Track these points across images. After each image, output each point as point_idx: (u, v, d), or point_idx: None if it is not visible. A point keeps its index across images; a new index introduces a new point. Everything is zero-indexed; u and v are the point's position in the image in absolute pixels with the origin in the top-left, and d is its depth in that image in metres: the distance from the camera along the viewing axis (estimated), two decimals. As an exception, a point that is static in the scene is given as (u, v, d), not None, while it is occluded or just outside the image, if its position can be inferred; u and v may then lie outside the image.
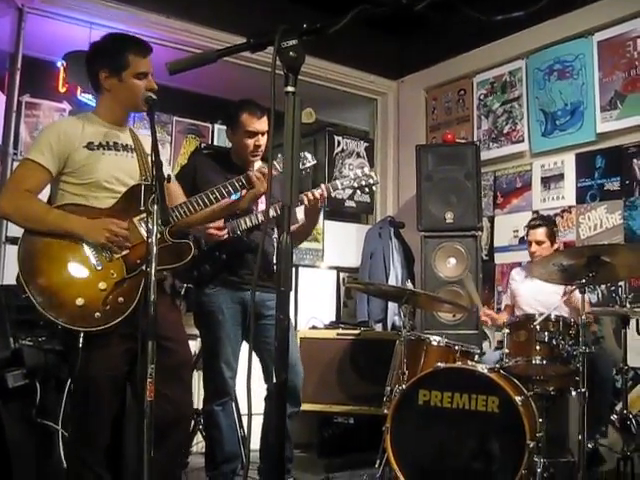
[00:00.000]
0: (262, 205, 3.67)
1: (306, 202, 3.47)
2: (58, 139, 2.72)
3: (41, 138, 2.78)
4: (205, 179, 3.46)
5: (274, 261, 3.74)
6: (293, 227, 3.68)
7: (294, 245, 4.27)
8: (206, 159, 3.80)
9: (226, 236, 3.47)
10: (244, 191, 3.24)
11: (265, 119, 3.60)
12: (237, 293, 3.61)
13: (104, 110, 2.88)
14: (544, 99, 5.59)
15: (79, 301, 2.59)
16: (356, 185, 3.57)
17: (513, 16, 1.69)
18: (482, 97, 6.10)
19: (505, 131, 5.87)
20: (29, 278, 2.60)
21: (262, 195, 3.28)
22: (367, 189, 3.67)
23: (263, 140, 3.63)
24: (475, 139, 6.02)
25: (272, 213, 3.38)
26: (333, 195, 3.58)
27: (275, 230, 3.65)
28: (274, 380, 2.38)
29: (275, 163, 3.22)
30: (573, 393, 3.86)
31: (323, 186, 3.49)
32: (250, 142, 3.61)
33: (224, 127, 6.27)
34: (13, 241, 4.41)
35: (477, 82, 6.16)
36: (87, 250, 2.67)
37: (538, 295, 4.57)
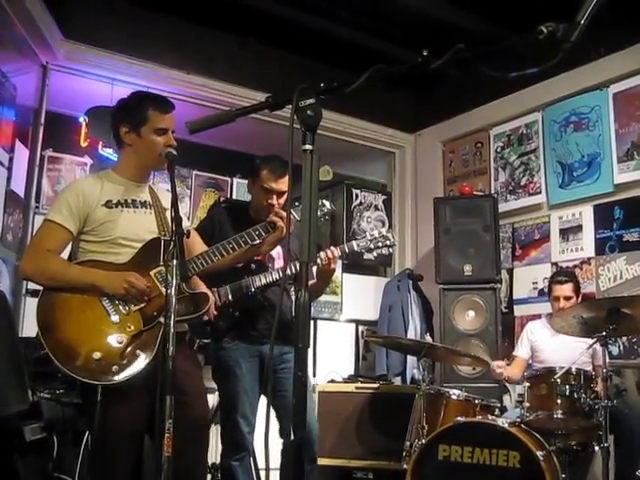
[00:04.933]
0: (278, 262, 3.67)
1: (318, 262, 3.45)
2: (77, 199, 2.78)
3: (60, 199, 2.84)
4: (222, 233, 3.47)
5: (291, 315, 3.74)
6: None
7: None
8: (224, 213, 3.78)
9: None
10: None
11: (286, 179, 3.52)
12: (255, 347, 3.58)
13: (124, 167, 2.94)
14: (561, 151, 5.61)
15: (96, 355, 2.60)
16: (372, 247, 3.56)
17: (528, 73, 1.70)
18: (499, 149, 6.14)
19: (522, 183, 5.88)
20: (47, 334, 2.62)
21: (284, 239, 3.29)
22: (384, 250, 3.66)
23: (279, 200, 3.57)
24: (492, 191, 6.04)
25: (288, 271, 3.38)
26: (348, 255, 3.57)
27: (292, 286, 3.64)
28: (291, 436, 2.36)
29: (293, 212, 3.16)
30: (596, 448, 3.78)
31: (337, 247, 3.51)
32: (264, 199, 3.59)
33: (243, 181, 6.38)
34: (33, 294, 4.45)
35: (494, 135, 6.20)
36: (104, 304, 2.69)
37: (564, 351, 4.44)
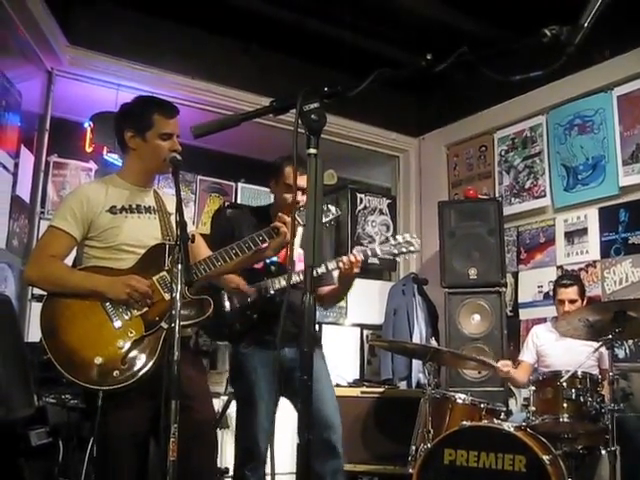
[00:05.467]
0: (299, 265, 3.52)
1: (340, 266, 3.38)
2: (81, 206, 2.77)
3: (64, 205, 2.83)
4: (242, 237, 3.34)
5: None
6: (327, 288, 3.63)
7: (325, 308, 4.09)
8: (243, 216, 3.71)
9: (252, 297, 3.39)
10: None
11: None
12: (273, 352, 3.44)
13: (129, 171, 2.93)
14: (565, 154, 5.61)
15: (98, 360, 2.60)
16: (396, 252, 3.47)
17: (531, 76, 1.70)
18: (503, 153, 6.13)
19: (527, 186, 5.88)
20: (50, 339, 2.63)
21: (288, 243, 3.15)
22: (407, 256, 3.59)
23: (303, 198, 3.43)
24: (497, 195, 6.03)
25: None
26: (370, 260, 3.49)
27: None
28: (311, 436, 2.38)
29: (297, 216, 3.17)
30: (603, 452, 3.77)
31: (359, 250, 3.42)
32: (289, 197, 3.52)
33: (247, 185, 6.39)
34: (39, 299, 4.45)
35: (498, 138, 6.19)
36: (106, 309, 2.69)
37: (570, 354, 4.37)
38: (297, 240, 3.50)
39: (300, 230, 3.45)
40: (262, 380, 3.46)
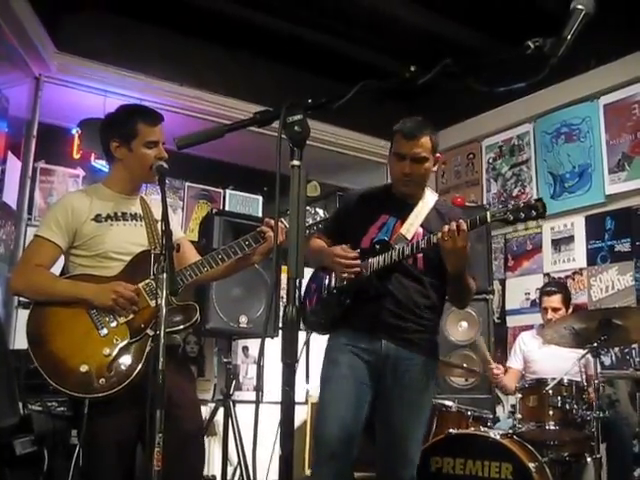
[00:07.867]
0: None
1: (439, 237, 2.81)
2: (66, 215, 2.78)
3: (50, 214, 2.84)
4: (356, 215, 3.15)
5: (415, 309, 3.04)
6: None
7: (455, 304, 3.41)
8: (360, 193, 3.28)
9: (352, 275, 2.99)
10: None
11: (423, 142, 3.01)
12: (366, 343, 2.99)
13: (114, 180, 2.93)
14: (552, 162, 5.63)
15: (83, 368, 2.60)
16: (511, 218, 2.81)
17: (514, 87, 1.72)
18: (491, 161, 6.16)
19: (514, 194, 5.91)
20: (36, 347, 2.63)
21: (273, 249, 2.86)
22: (530, 223, 3.09)
23: (413, 168, 3.02)
24: (485, 202, 6.06)
25: (407, 251, 2.93)
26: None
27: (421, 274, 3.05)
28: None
29: (282, 220, 2.82)
30: (589, 459, 3.79)
31: (463, 220, 2.81)
32: (398, 169, 3.06)
33: (235, 192, 6.37)
34: (25, 306, 4.44)
35: (486, 146, 6.23)
36: (92, 317, 2.69)
37: (556, 361, 4.36)
38: (420, 217, 3.11)
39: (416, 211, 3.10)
40: (351, 374, 2.98)
